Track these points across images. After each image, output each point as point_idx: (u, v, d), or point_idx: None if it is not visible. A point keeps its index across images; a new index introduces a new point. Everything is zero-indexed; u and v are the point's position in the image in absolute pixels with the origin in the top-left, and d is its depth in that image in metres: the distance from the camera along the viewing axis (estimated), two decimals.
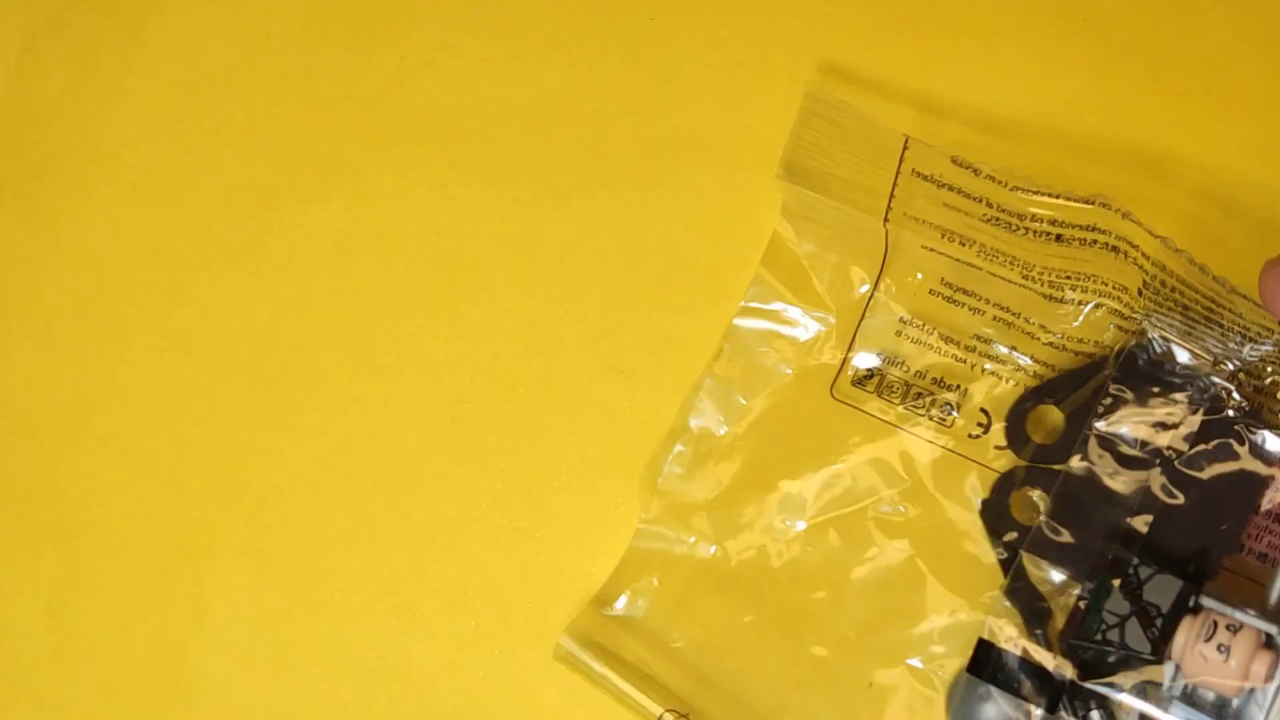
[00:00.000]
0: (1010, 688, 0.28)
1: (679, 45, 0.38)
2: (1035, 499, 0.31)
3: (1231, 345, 0.29)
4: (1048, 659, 0.27)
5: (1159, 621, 0.27)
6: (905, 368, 0.33)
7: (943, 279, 0.33)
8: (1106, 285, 0.31)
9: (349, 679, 0.38)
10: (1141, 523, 0.28)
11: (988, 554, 0.32)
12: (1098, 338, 0.32)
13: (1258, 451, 0.28)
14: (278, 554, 0.38)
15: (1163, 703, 0.26)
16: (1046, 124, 0.37)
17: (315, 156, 0.39)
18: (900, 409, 0.33)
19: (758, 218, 0.37)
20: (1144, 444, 0.29)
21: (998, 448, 0.32)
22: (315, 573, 0.38)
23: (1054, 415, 0.32)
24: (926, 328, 0.33)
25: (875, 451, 0.33)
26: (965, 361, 0.33)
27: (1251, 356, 0.29)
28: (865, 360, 0.34)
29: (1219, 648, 0.26)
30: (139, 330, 0.39)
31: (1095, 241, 0.31)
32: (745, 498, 0.34)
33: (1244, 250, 0.36)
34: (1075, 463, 0.30)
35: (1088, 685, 0.27)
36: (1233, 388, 0.29)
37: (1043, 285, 0.32)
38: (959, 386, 0.33)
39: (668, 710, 0.32)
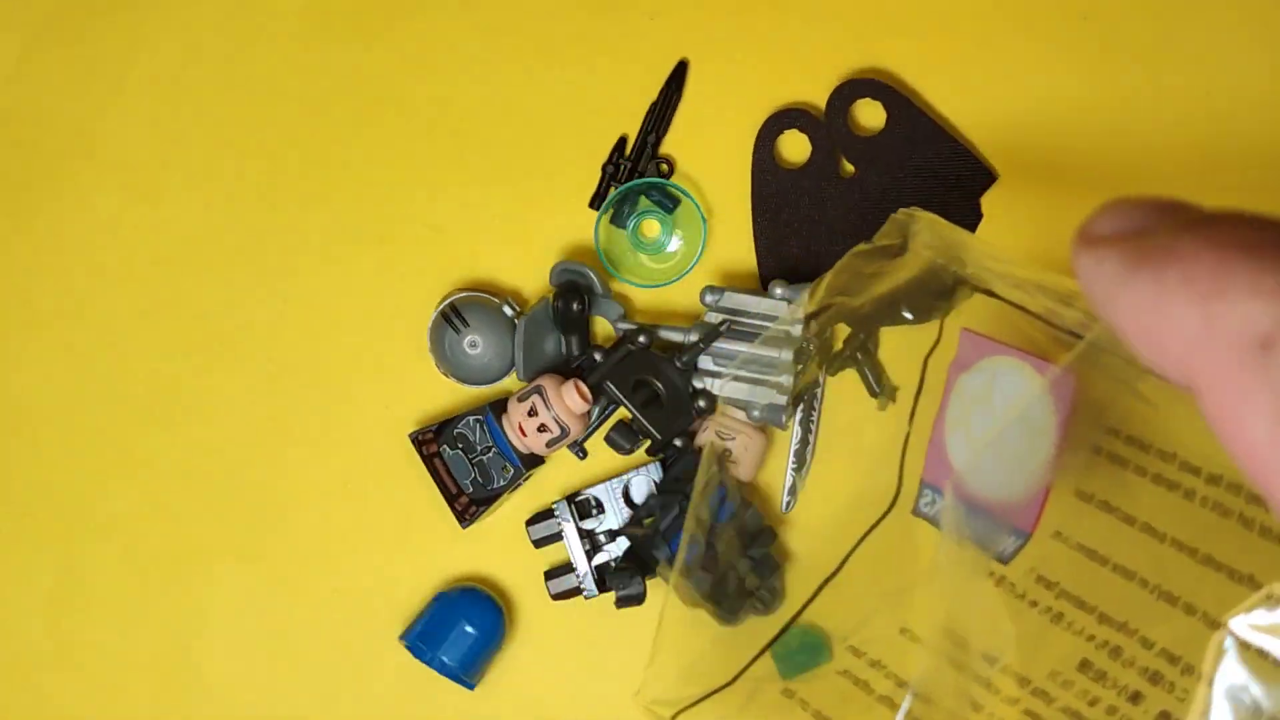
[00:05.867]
0: None
1: (679, 45, 0.38)
2: None
3: None
4: None
5: None
6: None
7: None
8: None
9: (349, 679, 0.38)
10: None
11: None
12: None
13: None
14: (278, 556, 0.38)
15: None
16: (1047, 123, 0.38)
17: (315, 156, 0.39)
18: None
19: None
20: None
21: None
22: (315, 574, 0.38)
23: None
24: None
25: None
26: None
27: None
28: None
29: None
30: (139, 330, 0.39)
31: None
32: None
33: None
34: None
35: None
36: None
37: None
38: None
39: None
